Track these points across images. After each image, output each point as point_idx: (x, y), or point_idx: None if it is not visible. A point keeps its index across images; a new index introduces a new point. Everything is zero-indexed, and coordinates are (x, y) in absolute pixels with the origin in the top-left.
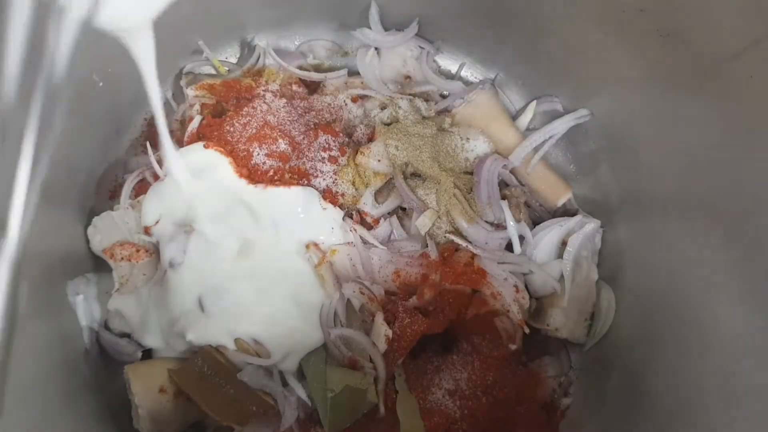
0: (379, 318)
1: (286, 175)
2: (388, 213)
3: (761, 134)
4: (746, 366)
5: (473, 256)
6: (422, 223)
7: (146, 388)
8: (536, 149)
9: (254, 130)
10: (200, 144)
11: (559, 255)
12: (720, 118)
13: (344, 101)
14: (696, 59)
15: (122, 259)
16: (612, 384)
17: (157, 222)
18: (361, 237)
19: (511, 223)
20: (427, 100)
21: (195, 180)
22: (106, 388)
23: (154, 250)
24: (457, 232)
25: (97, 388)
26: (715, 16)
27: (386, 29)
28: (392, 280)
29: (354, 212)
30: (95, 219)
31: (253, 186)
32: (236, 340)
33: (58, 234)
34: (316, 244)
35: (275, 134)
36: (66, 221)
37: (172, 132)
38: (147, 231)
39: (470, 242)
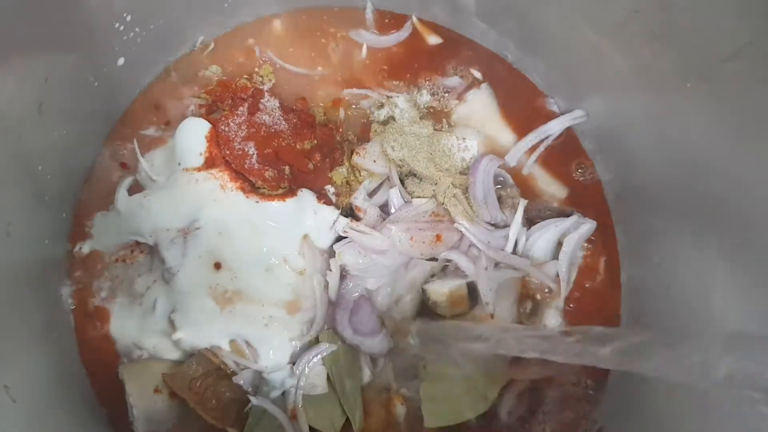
0: None
1: (285, 177)
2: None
3: (755, 135)
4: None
5: None
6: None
7: (141, 388)
8: (532, 149)
9: (249, 130)
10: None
11: (555, 255)
12: (714, 119)
13: None
14: (690, 60)
15: (116, 260)
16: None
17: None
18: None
19: (519, 222)
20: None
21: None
22: (102, 387)
23: (149, 251)
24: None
25: (92, 387)
26: (708, 17)
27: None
28: (409, 246)
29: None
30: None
31: (246, 198)
32: (231, 342)
33: (53, 233)
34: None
35: (270, 134)
36: (60, 221)
37: None
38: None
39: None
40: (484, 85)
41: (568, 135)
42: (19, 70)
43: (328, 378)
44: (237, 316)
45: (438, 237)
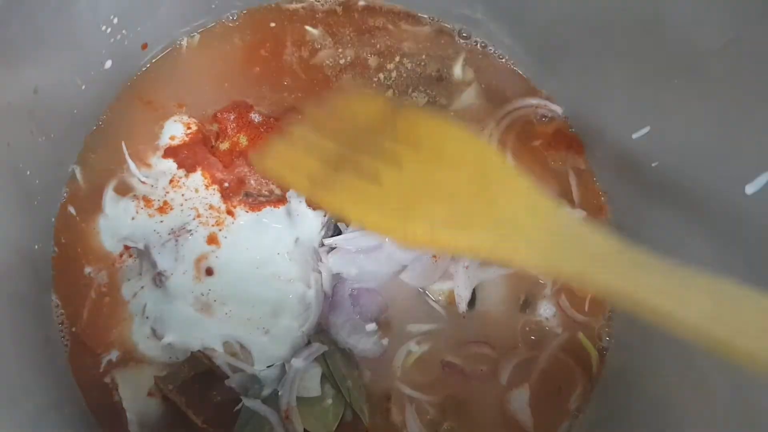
0: None
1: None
2: None
3: (741, 130)
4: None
5: None
6: None
7: (134, 392)
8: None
9: (238, 134)
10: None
11: None
12: (704, 114)
13: None
14: (677, 55)
15: (105, 264)
16: (603, 382)
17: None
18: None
19: None
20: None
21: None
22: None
23: (138, 255)
24: None
25: (84, 392)
26: (695, 11)
27: None
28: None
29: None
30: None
31: (238, 204)
32: (225, 344)
33: (43, 238)
34: None
35: (259, 134)
36: (50, 225)
37: None
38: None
39: None
40: (474, 84)
41: (558, 128)
42: (7, 77)
43: (322, 381)
44: (230, 319)
45: (434, 257)
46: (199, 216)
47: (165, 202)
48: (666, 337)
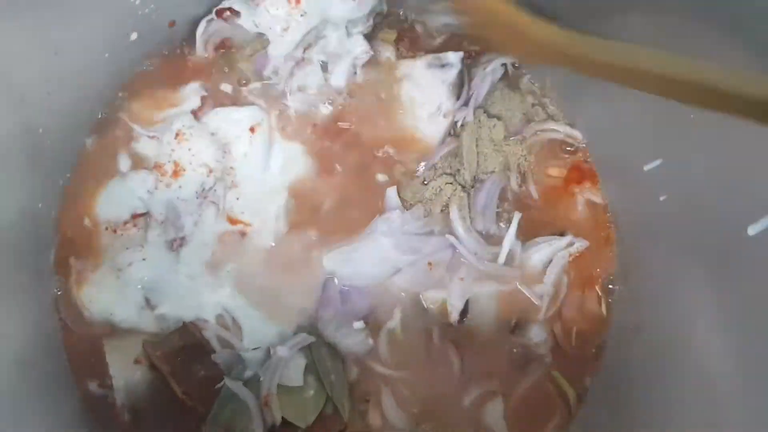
0: None
1: None
2: None
3: (752, 171)
4: (720, 392)
5: None
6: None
7: (122, 358)
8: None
9: None
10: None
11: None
12: (715, 151)
13: None
14: None
15: (106, 229)
16: (589, 406)
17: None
18: None
19: (513, 235)
20: None
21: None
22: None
23: (144, 225)
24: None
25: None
26: (713, 49)
27: None
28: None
29: None
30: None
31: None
32: (218, 316)
33: (48, 198)
34: None
35: None
36: (58, 188)
37: None
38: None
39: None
40: None
41: (577, 161)
42: (29, 36)
43: (305, 372)
44: (231, 289)
45: (430, 264)
46: (211, 172)
47: (176, 164)
48: (651, 384)
